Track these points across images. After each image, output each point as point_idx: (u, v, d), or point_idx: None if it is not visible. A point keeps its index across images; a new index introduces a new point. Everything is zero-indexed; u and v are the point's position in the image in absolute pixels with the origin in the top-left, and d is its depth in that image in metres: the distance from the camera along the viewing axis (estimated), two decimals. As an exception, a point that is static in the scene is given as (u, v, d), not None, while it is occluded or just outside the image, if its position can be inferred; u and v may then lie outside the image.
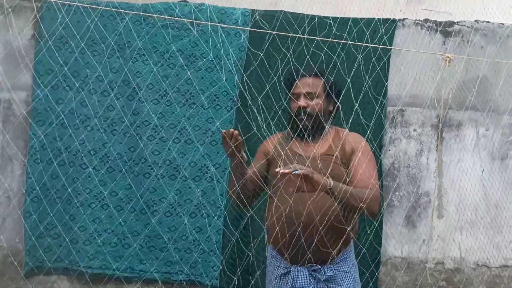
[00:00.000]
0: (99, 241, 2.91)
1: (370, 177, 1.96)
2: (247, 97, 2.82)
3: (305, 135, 2.02)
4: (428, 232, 3.14)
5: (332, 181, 1.87)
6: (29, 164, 2.88)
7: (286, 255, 2.00)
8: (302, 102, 2.03)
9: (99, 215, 2.94)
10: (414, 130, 3.14)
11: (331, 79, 2.09)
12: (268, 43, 2.93)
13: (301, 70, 2.08)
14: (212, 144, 3.00)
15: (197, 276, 2.96)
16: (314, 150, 2.00)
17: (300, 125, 2.03)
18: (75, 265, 2.91)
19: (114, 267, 2.93)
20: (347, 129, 2.13)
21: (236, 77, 3.00)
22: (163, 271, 2.97)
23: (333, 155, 1.99)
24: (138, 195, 2.91)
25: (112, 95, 2.92)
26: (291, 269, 2.01)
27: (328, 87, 2.06)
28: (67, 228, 2.89)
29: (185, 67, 3.00)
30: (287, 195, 1.93)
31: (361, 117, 2.60)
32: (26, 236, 2.89)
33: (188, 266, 2.94)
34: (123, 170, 2.93)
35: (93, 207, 2.93)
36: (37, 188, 2.81)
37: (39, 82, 2.92)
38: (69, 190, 2.81)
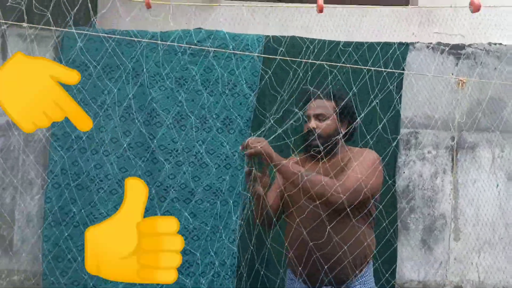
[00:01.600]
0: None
1: (354, 172, 1.92)
2: (260, 121, 2.87)
3: (317, 154, 2.04)
4: (445, 254, 3.10)
5: (278, 157, 1.92)
6: (48, 188, 2.95)
7: (301, 276, 2.01)
8: (312, 123, 2.07)
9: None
10: (429, 152, 3.13)
11: (344, 100, 2.12)
12: (280, 68, 2.99)
13: (311, 90, 2.13)
14: (226, 168, 3.03)
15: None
16: (323, 168, 2.01)
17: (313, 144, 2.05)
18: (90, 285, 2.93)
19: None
20: (358, 148, 2.16)
21: (249, 101, 3.05)
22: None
23: (340, 170, 1.99)
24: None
25: (136, 119, 2.98)
26: None
27: (339, 108, 2.09)
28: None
29: (200, 93, 3.05)
30: (302, 216, 1.97)
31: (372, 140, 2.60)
32: (43, 259, 2.93)
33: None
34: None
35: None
36: (58, 212, 2.87)
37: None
38: (90, 214, 2.84)
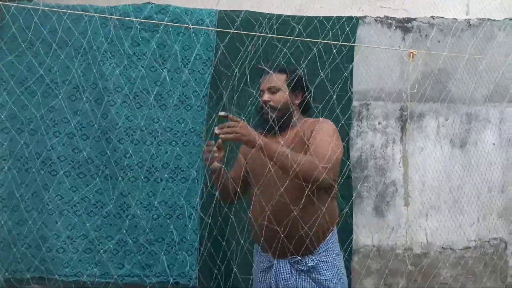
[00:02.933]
0: (73, 248, 2.87)
1: (322, 147, 1.95)
2: (216, 97, 2.86)
3: (273, 128, 2.07)
4: (396, 219, 3.27)
5: (263, 140, 1.90)
6: None
7: (266, 249, 2.08)
8: (265, 96, 2.11)
9: (71, 221, 2.89)
10: (379, 123, 3.26)
11: (296, 73, 2.16)
12: (234, 43, 2.98)
13: (265, 67, 2.16)
14: (184, 145, 3.00)
15: (175, 277, 2.96)
16: (282, 142, 2.03)
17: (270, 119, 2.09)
18: (50, 273, 2.85)
19: (89, 273, 2.89)
20: (315, 119, 2.19)
21: (205, 77, 3.03)
22: (139, 275, 2.95)
23: (301, 142, 2.03)
24: (110, 199, 2.88)
25: (84, 98, 2.88)
26: (274, 263, 2.07)
27: (290, 79, 2.14)
28: (39, 237, 2.82)
29: (153, 69, 2.99)
30: (261, 189, 2.03)
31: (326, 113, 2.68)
32: (1, 246, 2.81)
33: (166, 267, 2.93)
34: (94, 174, 2.89)
35: (65, 214, 2.88)
36: (12, 197, 2.75)
37: (3, 89, 2.84)
38: (44, 197, 2.73)
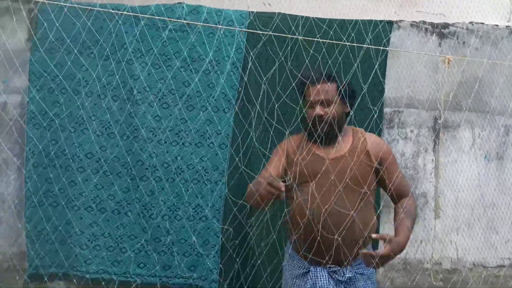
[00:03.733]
0: (96, 245, 2.88)
1: (407, 185, 2.19)
2: (245, 99, 2.82)
3: (324, 141, 2.05)
4: (425, 232, 3.15)
5: (403, 239, 1.99)
6: (27, 168, 2.84)
7: (304, 256, 2.05)
8: (318, 110, 2.04)
9: (96, 219, 2.90)
10: (411, 131, 3.16)
11: (344, 81, 2.11)
12: (265, 45, 2.93)
13: (312, 74, 2.09)
14: (210, 147, 2.98)
15: (195, 280, 2.94)
16: (333, 151, 2.07)
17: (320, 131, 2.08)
18: (73, 270, 2.88)
19: (111, 271, 2.90)
20: (362, 129, 2.23)
21: (234, 79, 2.99)
22: (161, 275, 2.95)
23: (355, 155, 2.04)
24: (135, 198, 2.89)
25: (109, 97, 2.89)
26: (311, 269, 2.03)
27: (342, 90, 2.09)
28: (64, 233, 2.85)
29: (182, 69, 2.98)
30: (309, 196, 1.99)
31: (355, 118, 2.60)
32: (27, 241, 2.84)
33: (187, 269, 2.92)
34: (120, 173, 2.90)
35: (90, 211, 2.90)
36: (39, 192, 2.79)
37: (35, 85, 2.88)
38: (70, 194, 2.76)
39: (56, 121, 2.84)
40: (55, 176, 2.84)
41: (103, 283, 2.86)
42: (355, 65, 2.66)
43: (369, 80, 2.70)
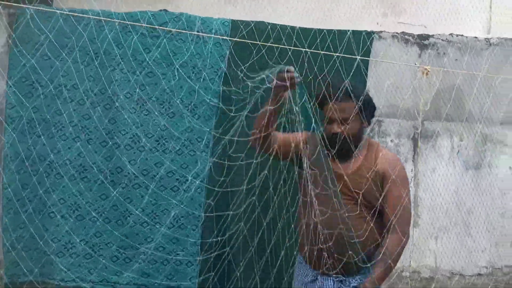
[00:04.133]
0: (73, 253, 2.85)
1: (402, 219, 2.04)
2: (227, 107, 2.82)
3: (339, 157, 2.05)
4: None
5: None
6: (5, 174, 2.80)
7: (313, 263, 2.08)
8: (335, 127, 2.05)
9: (73, 226, 2.87)
10: (391, 140, 3.18)
11: (363, 96, 2.11)
12: (247, 54, 2.95)
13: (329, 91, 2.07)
14: (190, 154, 2.97)
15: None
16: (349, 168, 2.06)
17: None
18: (50, 278, 2.83)
19: (88, 279, 2.86)
20: (378, 144, 2.21)
21: (215, 87, 2.99)
22: (138, 283, 2.92)
23: (367, 173, 2.04)
24: (113, 205, 2.86)
25: (88, 104, 2.87)
26: (318, 278, 2.08)
27: (361, 107, 2.07)
28: (41, 241, 2.80)
29: (164, 76, 2.97)
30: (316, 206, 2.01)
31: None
32: (4, 249, 2.79)
33: (165, 277, 2.89)
34: (99, 179, 2.88)
35: (68, 218, 2.86)
36: (16, 199, 2.74)
37: (13, 90, 2.85)
38: (47, 201, 2.72)
39: (36, 127, 2.81)
40: (33, 183, 2.80)
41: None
42: (335, 72, 2.68)
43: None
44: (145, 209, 2.89)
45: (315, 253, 2.05)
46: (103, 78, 2.87)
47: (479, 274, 3.21)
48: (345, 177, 2.02)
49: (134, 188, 2.89)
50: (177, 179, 2.94)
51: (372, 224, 2.03)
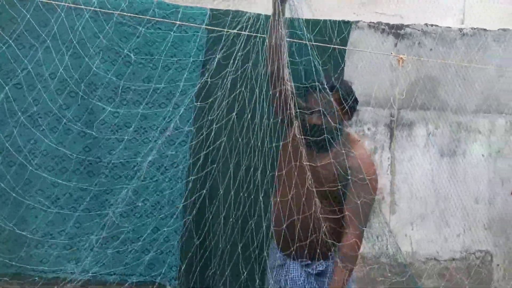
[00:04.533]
0: (52, 244, 2.83)
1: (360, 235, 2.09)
2: (205, 96, 2.82)
3: (317, 147, 2.08)
4: (381, 228, 3.24)
5: None
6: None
7: (282, 248, 2.16)
8: (315, 119, 2.07)
9: (51, 217, 2.85)
10: (369, 129, 3.24)
11: (347, 89, 2.14)
12: (225, 43, 2.94)
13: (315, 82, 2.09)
14: (170, 144, 2.96)
15: (154, 277, 2.92)
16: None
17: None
18: (27, 270, 2.81)
19: (68, 270, 2.85)
20: (357, 140, 2.21)
21: (194, 76, 2.99)
22: (119, 273, 2.92)
23: (337, 167, 2.06)
24: (92, 195, 2.85)
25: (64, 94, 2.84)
26: (287, 262, 2.17)
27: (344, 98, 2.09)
28: (19, 232, 2.77)
29: (141, 66, 2.95)
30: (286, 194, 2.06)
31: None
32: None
33: (146, 267, 2.90)
34: (77, 170, 2.86)
35: (46, 209, 2.84)
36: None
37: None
38: (24, 192, 2.69)
39: (11, 117, 2.76)
40: (10, 173, 2.76)
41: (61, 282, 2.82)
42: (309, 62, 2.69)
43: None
44: (124, 199, 2.88)
45: (282, 238, 2.12)
46: (80, 68, 2.83)
47: (454, 259, 3.30)
48: (317, 168, 2.04)
49: (113, 178, 2.87)
50: (157, 169, 2.93)
51: (337, 215, 2.07)
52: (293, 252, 2.11)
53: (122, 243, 2.88)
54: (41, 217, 2.82)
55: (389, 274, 3.14)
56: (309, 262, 2.13)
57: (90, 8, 2.71)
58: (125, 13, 2.82)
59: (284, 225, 2.08)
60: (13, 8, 2.65)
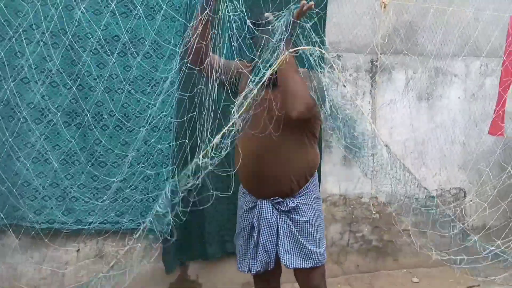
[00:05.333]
0: (45, 196, 2.87)
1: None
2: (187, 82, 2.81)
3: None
4: (363, 169, 3.38)
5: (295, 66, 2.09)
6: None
7: (250, 190, 2.22)
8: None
9: (43, 169, 2.88)
10: (350, 75, 3.31)
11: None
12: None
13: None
14: (153, 130, 2.95)
15: (148, 224, 3.01)
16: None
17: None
18: (22, 220, 2.87)
19: (62, 221, 2.91)
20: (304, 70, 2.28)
21: (174, 62, 2.96)
22: (113, 222, 3.00)
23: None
24: (82, 147, 2.87)
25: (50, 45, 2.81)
26: (257, 203, 2.20)
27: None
28: (11, 184, 2.81)
29: (125, 15, 2.92)
30: (249, 135, 2.07)
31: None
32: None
33: (139, 214, 2.98)
34: (66, 122, 2.87)
35: (36, 162, 2.87)
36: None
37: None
38: (14, 145, 2.70)
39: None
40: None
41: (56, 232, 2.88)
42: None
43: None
44: (115, 150, 2.92)
45: (250, 178, 2.16)
46: (56, 56, 2.78)
47: (431, 197, 3.48)
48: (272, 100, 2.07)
49: (102, 129, 2.90)
50: (144, 119, 2.96)
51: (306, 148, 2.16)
52: (262, 191, 2.16)
53: (115, 193, 2.94)
54: (32, 170, 2.84)
55: (374, 212, 3.32)
56: (281, 200, 2.18)
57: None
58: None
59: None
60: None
